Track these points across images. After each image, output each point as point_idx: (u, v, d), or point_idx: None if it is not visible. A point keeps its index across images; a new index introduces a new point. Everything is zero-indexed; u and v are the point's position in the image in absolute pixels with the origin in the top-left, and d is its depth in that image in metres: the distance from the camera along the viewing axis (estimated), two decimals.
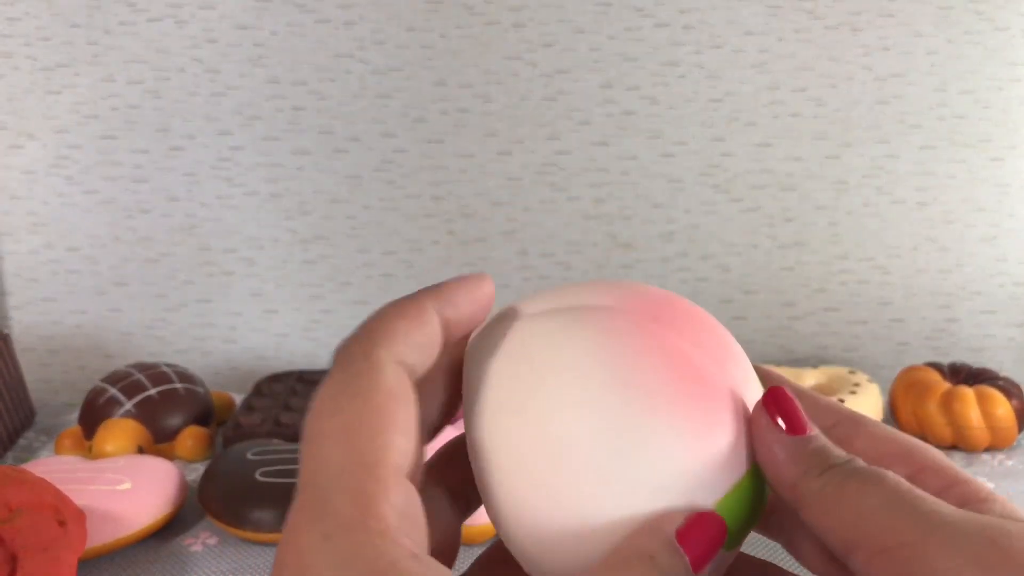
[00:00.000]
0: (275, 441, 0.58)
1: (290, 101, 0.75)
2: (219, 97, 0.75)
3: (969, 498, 0.20)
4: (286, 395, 0.69)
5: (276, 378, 0.72)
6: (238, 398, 0.73)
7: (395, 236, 0.78)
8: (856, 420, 0.23)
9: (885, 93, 0.76)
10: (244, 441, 0.59)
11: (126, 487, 0.52)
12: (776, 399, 0.21)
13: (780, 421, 0.20)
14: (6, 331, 0.68)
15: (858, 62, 0.75)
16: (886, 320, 0.81)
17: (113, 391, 0.63)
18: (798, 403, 0.21)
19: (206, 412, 0.66)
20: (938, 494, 0.20)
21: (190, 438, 0.63)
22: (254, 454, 0.55)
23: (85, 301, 0.79)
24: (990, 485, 0.48)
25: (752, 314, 0.80)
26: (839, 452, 0.20)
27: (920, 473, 0.21)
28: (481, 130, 0.76)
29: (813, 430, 0.21)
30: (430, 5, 0.73)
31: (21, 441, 0.67)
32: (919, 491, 0.19)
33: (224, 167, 0.76)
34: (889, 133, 0.77)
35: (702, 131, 0.76)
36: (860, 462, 0.20)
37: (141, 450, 0.61)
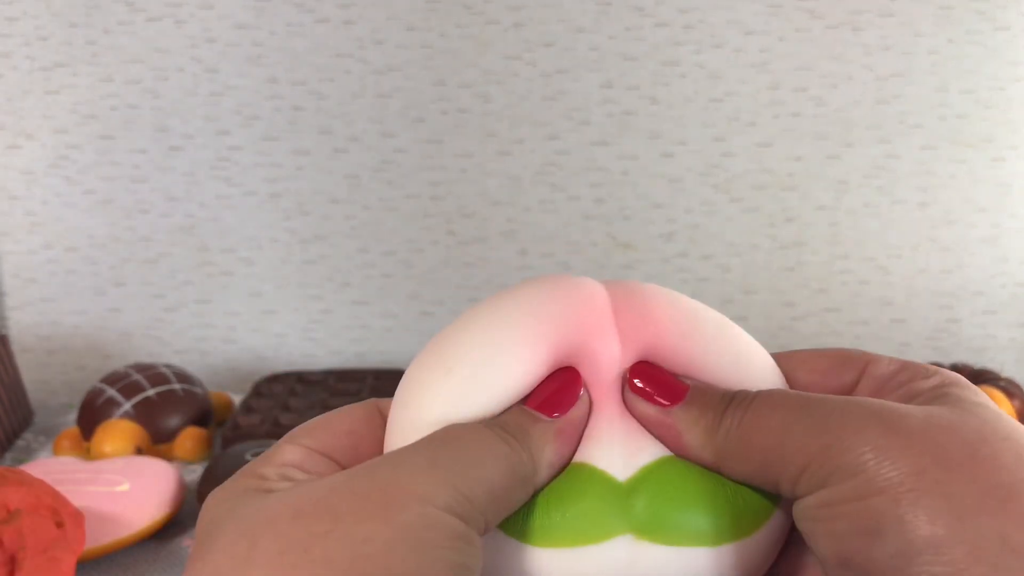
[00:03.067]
0: (274, 442, 0.58)
1: (289, 101, 0.75)
2: (218, 97, 0.74)
3: (916, 375, 0.20)
4: (285, 396, 0.68)
5: (275, 379, 0.72)
6: (237, 399, 0.73)
7: (395, 236, 0.78)
8: (789, 355, 0.23)
9: (886, 93, 0.75)
10: (243, 442, 0.59)
11: (124, 488, 0.51)
12: (641, 378, 0.21)
13: (657, 397, 0.20)
14: (4, 331, 0.68)
15: (859, 62, 0.75)
16: (887, 320, 0.81)
17: (112, 392, 0.63)
18: (662, 370, 0.21)
19: (205, 413, 0.66)
20: (885, 381, 0.21)
21: (189, 439, 0.63)
22: (253, 455, 0.55)
23: (84, 301, 0.79)
24: None
25: (753, 314, 0.80)
26: (719, 393, 0.20)
27: (866, 370, 0.21)
28: (481, 130, 0.76)
29: (688, 383, 0.21)
30: (429, 5, 0.73)
31: (19, 442, 0.67)
32: (804, 393, 0.19)
33: (223, 167, 0.76)
34: (890, 133, 0.76)
35: (702, 131, 0.76)
36: (743, 394, 0.20)
37: (140, 451, 0.61)
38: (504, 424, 0.19)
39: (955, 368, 0.69)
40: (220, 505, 0.19)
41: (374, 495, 0.17)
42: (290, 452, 0.21)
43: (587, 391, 0.21)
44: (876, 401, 0.18)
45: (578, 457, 0.20)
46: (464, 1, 0.73)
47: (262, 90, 0.74)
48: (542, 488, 0.20)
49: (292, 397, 0.68)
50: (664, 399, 0.20)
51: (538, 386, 0.21)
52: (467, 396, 0.20)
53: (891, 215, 0.78)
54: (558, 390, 0.20)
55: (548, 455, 0.20)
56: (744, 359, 0.22)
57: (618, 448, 0.20)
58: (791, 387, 0.23)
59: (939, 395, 0.19)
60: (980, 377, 0.67)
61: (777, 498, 0.20)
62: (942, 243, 0.79)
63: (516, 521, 0.19)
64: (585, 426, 0.21)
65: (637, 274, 0.79)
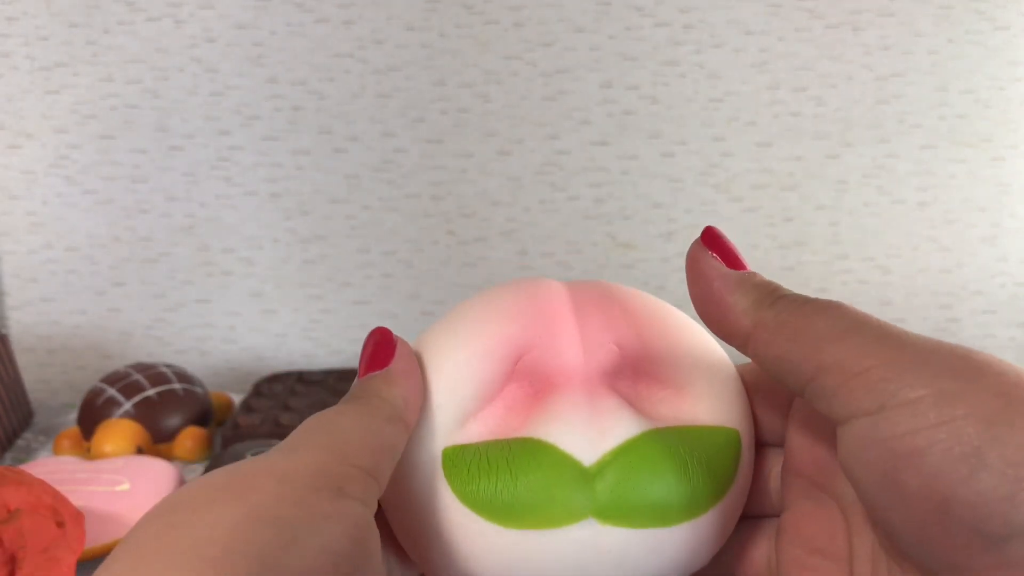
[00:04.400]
0: (274, 442, 0.58)
1: (289, 101, 0.75)
2: (218, 97, 0.75)
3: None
4: (285, 395, 0.68)
5: (275, 378, 0.72)
6: (237, 399, 0.73)
7: (395, 236, 0.78)
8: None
9: (886, 92, 0.76)
10: (243, 442, 0.59)
11: (125, 488, 0.51)
12: (712, 238, 0.21)
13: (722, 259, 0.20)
14: (4, 331, 0.68)
15: (859, 61, 0.75)
16: (887, 320, 0.81)
17: (112, 392, 0.63)
18: (734, 245, 0.21)
19: (205, 413, 0.66)
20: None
21: (189, 439, 0.63)
22: (253, 455, 0.54)
23: (84, 301, 0.79)
24: None
25: None
26: (784, 288, 0.20)
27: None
28: (481, 130, 0.76)
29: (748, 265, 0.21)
30: (429, 4, 0.73)
31: (19, 442, 0.67)
32: (879, 319, 0.19)
33: (223, 167, 0.76)
34: (890, 133, 0.76)
35: (702, 131, 0.76)
36: (794, 294, 0.20)
37: (140, 451, 0.61)
38: (350, 394, 0.21)
39: None
40: None
41: (233, 483, 0.17)
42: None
43: (404, 344, 0.22)
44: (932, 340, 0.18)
45: (545, 436, 0.21)
46: (464, 1, 0.73)
47: (262, 90, 0.74)
48: (414, 422, 0.21)
49: (292, 397, 0.68)
50: (726, 262, 0.20)
51: (361, 356, 0.22)
52: (433, 394, 0.22)
53: (891, 215, 0.78)
54: (374, 351, 0.22)
55: (397, 394, 0.21)
56: (698, 340, 0.23)
57: (583, 430, 0.21)
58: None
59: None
60: None
61: (732, 477, 0.21)
62: (942, 243, 0.79)
63: (483, 500, 0.20)
64: (415, 372, 0.22)
65: (637, 274, 0.79)
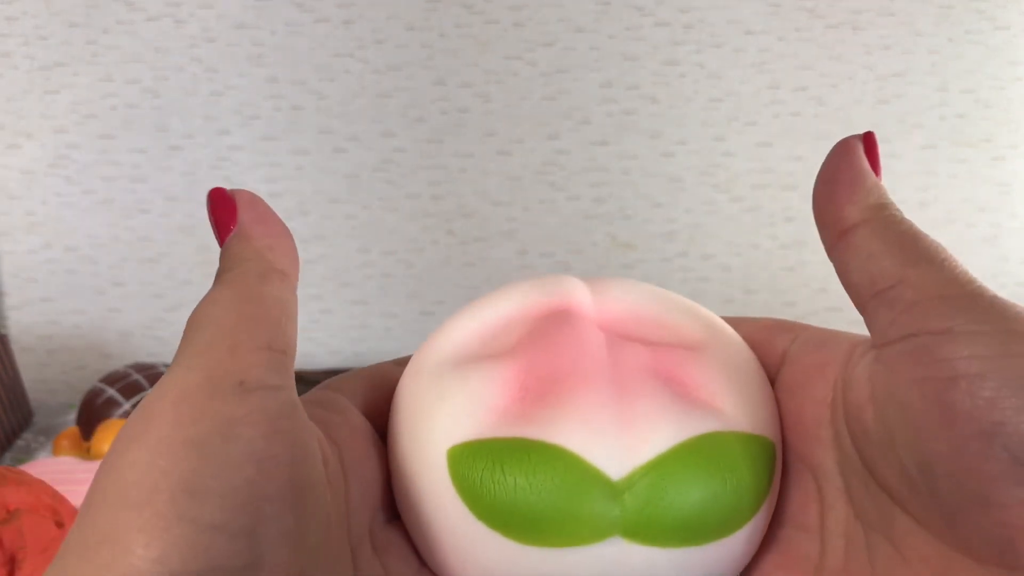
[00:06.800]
0: None
1: (289, 100, 0.75)
2: (218, 96, 0.74)
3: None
4: None
5: None
6: None
7: (395, 236, 0.78)
8: (787, 327, 0.23)
9: (886, 92, 0.75)
10: None
11: None
12: (871, 142, 0.21)
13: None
14: (4, 331, 0.68)
15: (859, 61, 0.75)
16: None
17: (111, 392, 0.63)
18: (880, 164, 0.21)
19: None
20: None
21: None
22: None
23: (83, 301, 0.79)
24: None
25: (753, 314, 0.80)
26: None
27: (805, 332, 0.22)
28: (481, 130, 0.76)
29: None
30: (429, 4, 0.73)
31: (19, 442, 0.67)
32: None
33: (223, 167, 0.76)
34: (890, 132, 0.76)
35: (702, 130, 0.76)
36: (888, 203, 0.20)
37: None
38: (216, 274, 0.19)
39: None
40: None
41: (136, 424, 0.16)
42: None
43: (244, 193, 0.21)
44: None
45: (566, 443, 0.19)
46: (464, 1, 0.73)
47: (262, 90, 0.74)
48: (293, 278, 0.20)
49: None
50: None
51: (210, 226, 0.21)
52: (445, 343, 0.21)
53: None
54: (216, 216, 0.20)
55: (257, 247, 0.19)
56: (732, 339, 0.23)
57: (612, 440, 0.19)
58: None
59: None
60: None
61: (767, 490, 0.20)
62: (942, 243, 0.79)
63: (498, 515, 0.19)
64: (268, 216, 0.20)
65: (637, 274, 0.79)
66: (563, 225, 0.78)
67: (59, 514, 0.44)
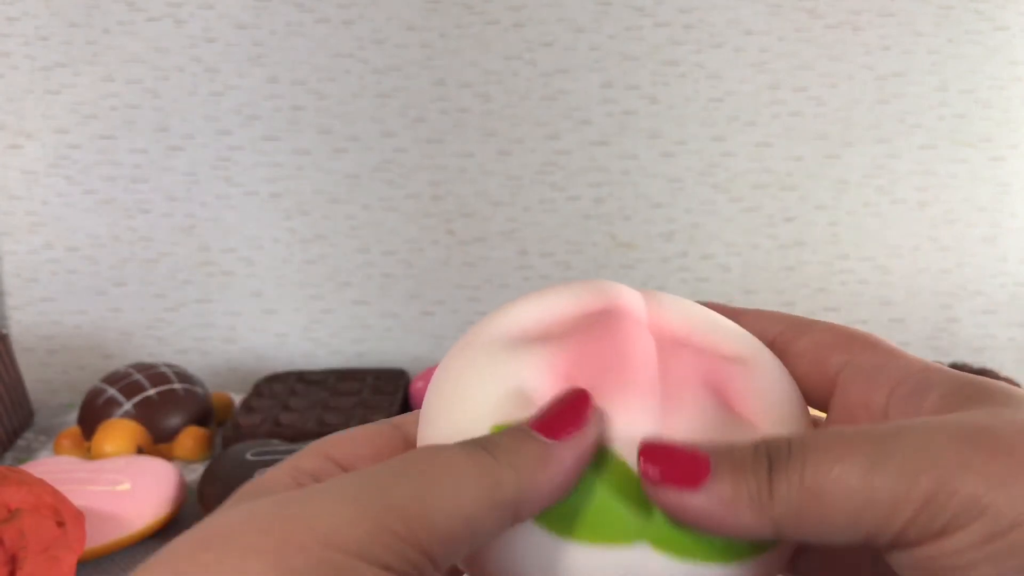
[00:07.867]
0: (274, 441, 0.58)
1: (289, 100, 0.75)
2: (218, 97, 0.75)
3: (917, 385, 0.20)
4: (285, 395, 0.69)
5: (275, 378, 0.72)
6: (237, 398, 0.73)
7: (395, 236, 0.78)
8: (800, 324, 0.23)
9: (886, 92, 0.76)
10: (243, 441, 0.59)
11: (125, 488, 0.51)
12: (648, 454, 0.18)
13: (678, 480, 0.17)
14: (5, 331, 0.68)
15: (858, 61, 0.75)
16: (886, 320, 0.81)
17: (112, 391, 0.63)
18: (674, 443, 0.18)
19: (205, 412, 0.66)
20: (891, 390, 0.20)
21: (189, 439, 0.63)
22: (253, 454, 0.55)
23: (84, 301, 0.79)
24: None
25: None
26: (748, 450, 0.17)
27: (860, 355, 0.21)
28: (481, 130, 0.76)
29: (705, 451, 0.17)
30: (430, 4, 0.73)
31: (20, 442, 0.67)
32: (862, 429, 0.17)
33: (223, 167, 0.76)
34: (890, 132, 0.76)
35: (702, 130, 0.76)
36: (778, 445, 0.17)
37: (140, 451, 0.61)
38: (487, 441, 0.17)
39: (954, 367, 0.69)
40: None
41: (275, 528, 0.15)
42: (307, 459, 0.19)
43: (600, 415, 0.19)
44: (951, 420, 0.17)
45: (610, 444, 0.19)
46: (464, 1, 0.73)
47: (262, 90, 0.74)
48: (528, 517, 0.18)
49: (292, 397, 0.68)
50: (686, 481, 0.17)
51: (544, 406, 0.19)
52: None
53: (891, 215, 0.78)
54: (562, 411, 0.18)
55: (540, 481, 0.17)
56: (756, 342, 0.23)
57: None
58: (784, 355, 0.23)
59: (960, 397, 0.18)
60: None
61: None
62: (942, 243, 0.79)
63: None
64: (591, 455, 0.19)
65: (637, 274, 0.79)
66: (563, 225, 0.78)
67: (60, 514, 0.44)
